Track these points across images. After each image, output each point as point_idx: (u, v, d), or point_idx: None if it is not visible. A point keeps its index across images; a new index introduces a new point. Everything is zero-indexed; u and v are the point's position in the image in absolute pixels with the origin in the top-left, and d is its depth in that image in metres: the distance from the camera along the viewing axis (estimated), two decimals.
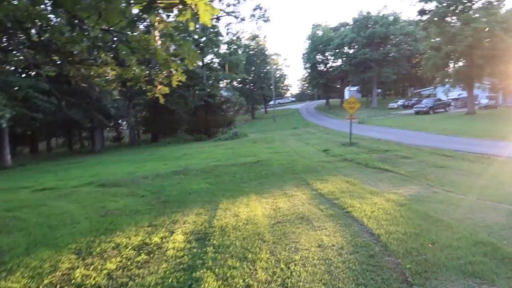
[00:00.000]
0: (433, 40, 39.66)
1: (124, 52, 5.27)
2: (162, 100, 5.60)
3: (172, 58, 4.76)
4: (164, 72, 5.37)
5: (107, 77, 4.85)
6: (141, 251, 4.57)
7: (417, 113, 42.13)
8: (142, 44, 4.01)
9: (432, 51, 38.30)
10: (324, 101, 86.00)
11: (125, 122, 42.29)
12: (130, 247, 4.72)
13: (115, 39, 4.72)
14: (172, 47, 4.90)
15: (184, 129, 41.09)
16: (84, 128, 40.20)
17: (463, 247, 4.02)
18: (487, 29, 31.24)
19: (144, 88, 5.56)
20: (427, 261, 3.68)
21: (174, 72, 5.41)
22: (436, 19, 36.93)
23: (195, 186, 8.95)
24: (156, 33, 4.15)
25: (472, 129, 20.57)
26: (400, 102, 60.00)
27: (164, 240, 4.92)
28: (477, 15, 34.22)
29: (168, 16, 4.36)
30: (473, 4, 35.67)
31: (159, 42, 4.30)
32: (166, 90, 5.53)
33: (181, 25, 4.53)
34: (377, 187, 7.60)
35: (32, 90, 24.57)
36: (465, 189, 7.20)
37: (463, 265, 3.55)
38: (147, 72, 5.40)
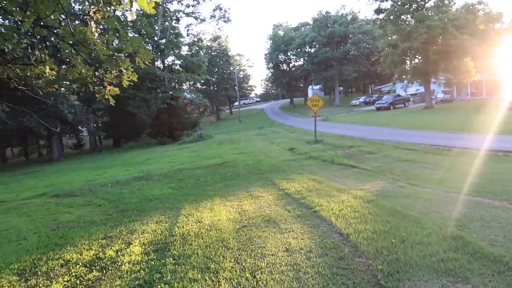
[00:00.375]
0: (390, 38, 40.84)
1: (67, 51, 4.84)
2: (112, 102, 5.14)
3: (117, 54, 4.35)
4: (113, 72, 4.95)
5: (46, 78, 4.33)
6: (93, 267, 4.14)
7: (378, 109, 43.17)
8: (79, 38, 3.59)
9: (389, 49, 39.43)
10: (289, 100, 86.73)
11: (84, 128, 40.63)
12: (80, 264, 4.28)
13: (55, 35, 4.27)
14: (117, 42, 4.51)
15: (147, 133, 40.00)
16: (41, 136, 38.21)
17: (434, 243, 3.90)
18: (440, 26, 32.42)
19: (92, 90, 5.10)
20: (398, 261, 3.51)
21: (124, 71, 5.00)
22: (392, 17, 38.01)
23: (156, 192, 8.51)
24: (93, 24, 3.74)
25: (431, 123, 21.20)
26: (362, 99, 61.32)
27: (119, 253, 4.50)
28: (430, 13, 35.54)
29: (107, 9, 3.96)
30: (426, 2, 37.04)
31: (96, 34, 3.89)
32: (116, 90, 5.09)
33: (122, 16, 4.14)
34: (344, 184, 7.49)
35: None
36: (430, 182, 7.22)
37: (435, 263, 3.41)
38: (94, 72, 4.94)
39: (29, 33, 3.84)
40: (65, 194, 9.67)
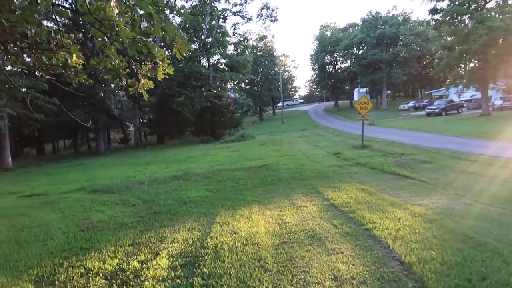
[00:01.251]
0: (445, 40, 38.50)
1: (100, 39, 4.44)
2: (146, 97, 4.71)
3: (144, 38, 3.87)
4: (148, 64, 4.50)
5: (74, 67, 3.94)
6: (114, 281, 3.68)
7: (428, 114, 40.91)
8: (96, 15, 3.13)
9: (444, 51, 37.13)
10: (333, 102, 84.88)
11: (131, 124, 41.67)
12: (101, 275, 3.84)
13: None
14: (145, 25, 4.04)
15: (190, 131, 40.32)
16: (90, 130, 39.62)
17: None
18: (502, 27, 29.98)
19: (126, 82, 4.69)
20: None
21: (159, 63, 4.55)
22: (448, 18, 35.78)
23: (193, 193, 8.08)
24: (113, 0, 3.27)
25: (489, 131, 19.41)
26: (410, 103, 58.58)
27: (144, 266, 4.03)
28: (491, 14, 33.02)
29: None
30: (487, 2, 34.48)
31: (117, 11, 3.41)
32: (151, 84, 4.65)
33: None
34: (398, 197, 6.65)
35: (33, 91, 24.00)
36: (502, 200, 6.23)
37: None
38: (128, 63, 4.52)
39: (51, 15, 3.45)
40: (103, 190, 9.52)
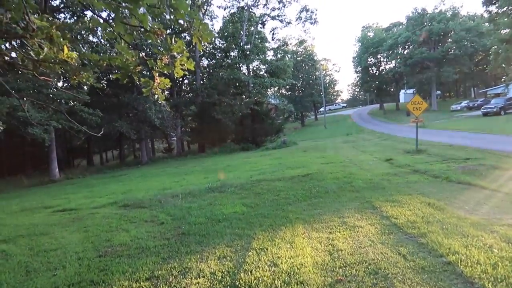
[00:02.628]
0: (503, 33, 35.42)
1: (107, 31, 3.66)
2: (162, 98, 3.89)
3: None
4: (163, 58, 3.66)
5: (63, 61, 3.14)
6: None
7: (485, 114, 37.86)
8: None
9: (502, 45, 34.14)
10: (378, 105, 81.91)
11: (174, 133, 41.95)
12: None
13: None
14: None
15: (231, 139, 39.83)
16: (135, 140, 40.27)
17: None
18: None
19: (138, 83, 3.88)
20: None
21: (177, 56, 3.70)
22: (506, 8, 32.88)
23: (228, 209, 7.17)
24: None
25: None
26: (463, 103, 54.83)
27: None
28: None
29: None
30: None
31: None
32: (167, 82, 3.82)
33: None
34: (478, 215, 5.36)
35: (77, 103, 24.45)
36: None
37: None
38: (140, 58, 3.71)
39: None
40: (134, 205, 8.87)
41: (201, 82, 41.47)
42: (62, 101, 23.44)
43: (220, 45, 42.46)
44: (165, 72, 3.81)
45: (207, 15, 41.45)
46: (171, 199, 9.02)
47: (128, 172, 24.78)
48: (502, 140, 16.02)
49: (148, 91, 3.85)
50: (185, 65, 3.75)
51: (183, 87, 47.01)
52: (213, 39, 43.17)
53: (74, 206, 9.97)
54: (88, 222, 7.40)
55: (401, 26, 70.29)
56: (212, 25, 50.82)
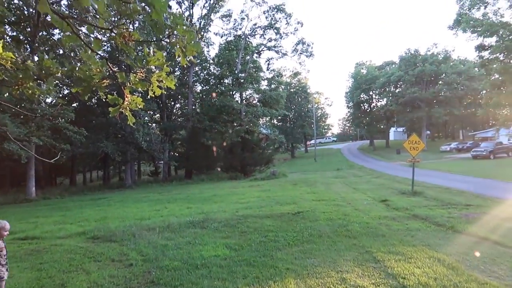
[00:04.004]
0: (494, 78, 35.89)
1: (68, 34, 2.93)
2: (131, 121, 3.14)
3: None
4: (138, 72, 2.92)
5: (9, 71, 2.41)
6: None
7: (475, 157, 37.73)
8: None
9: (494, 90, 34.51)
10: (367, 141, 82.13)
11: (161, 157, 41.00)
12: None
13: None
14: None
15: (219, 166, 38.87)
16: (118, 162, 39.08)
17: None
18: None
19: (104, 98, 3.14)
20: None
21: (155, 71, 2.98)
22: (498, 54, 33.44)
23: (209, 251, 6.29)
24: None
25: None
26: (453, 145, 55.09)
27: None
28: None
29: None
30: None
31: None
32: (139, 102, 3.07)
33: None
34: (500, 278, 4.59)
35: (63, 121, 23.53)
36: None
37: None
38: (109, 71, 2.97)
39: None
40: (104, 237, 7.92)
41: (193, 107, 40.94)
42: (46, 117, 22.44)
43: (215, 71, 42.28)
44: (139, 89, 3.06)
45: (204, 41, 41.46)
46: (147, 233, 8.09)
47: (109, 195, 23.61)
48: (499, 186, 15.46)
49: (115, 111, 3.08)
50: (164, 82, 3.01)
51: (174, 110, 46.41)
52: (208, 65, 43.10)
53: (39, 233, 8.96)
54: (46, 257, 6.44)
55: (393, 65, 71.59)
56: (208, 51, 50.98)
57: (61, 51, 21.93)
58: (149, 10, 2.33)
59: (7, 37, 26.29)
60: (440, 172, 25.12)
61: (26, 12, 24.21)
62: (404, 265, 5.13)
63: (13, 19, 23.89)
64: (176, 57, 2.85)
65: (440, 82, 58.51)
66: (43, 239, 8.21)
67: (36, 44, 24.22)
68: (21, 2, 23.53)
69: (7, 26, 26.06)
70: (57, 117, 21.98)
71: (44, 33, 23.65)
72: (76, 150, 28.86)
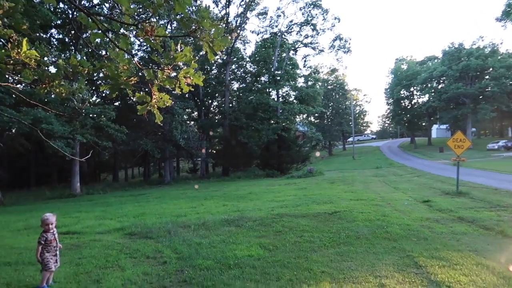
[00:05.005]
0: None
1: (95, 31, 2.91)
2: (159, 119, 3.08)
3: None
4: (166, 69, 2.85)
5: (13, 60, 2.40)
6: None
7: None
8: None
9: None
10: (408, 139, 79.49)
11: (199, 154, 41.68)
12: None
13: None
14: None
15: (256, 164, 38.90)
16: (157, 159, 40.10)
17: None
18: None
19: (132, 96, 3.09)
20: None
21: (183, 67, 2.89)
22: None
23: (242, 251, 6.20)
24: None
25: None
26: (501, 142, 52.16)
27: None
28: None
29: None
30: None
31: None
32: (167, 99, 3.00)
33: None
34: None
35: (105, 119, 24.36)
36: None
37: None
38: (136, 69, 2.92)
39: None
40: (141, 234, 8.06)
41: (230, 105, 41.21)
42: (89, 115, 23.35)
43: (251, 69, 42.36)
44: (167, 86, 2.98)
45: (240, 39, 41.61)
46: (182, 230, 8.14)
47: (148, 191, 24.22)
48: None
49: (143, 109, 3.03)
50: (192, 78, 2.91)
51: (211, 108, 46.97)
52: (244, 63, 43.22)
53: (80, 228, 9.25)
54: (85, 252, 6.61)
55: (436, 60, 68.71)
56: (245, 49, 51.10)
57: (103, 52, 22.77)
58: (172, 3, 2.24)
59: (54, 40, 27.66)
60: (487, 171, 23.80)
61: (70, 15, 25.24)
62: (449, 271, 4.79)
63: (58, 22, 25.00)
64: (204, 52, 2.75)
65: (487, 77, 55.51)
66: (83, 234, 8.47)
67: (80, 46, 25.25)
68: (65, 6, 24.53)
69: (53, 30, 27.39)
70: (100, 115, 22.76)
71: (87, 34, 24.55)
72: (117, 147, 29.90)
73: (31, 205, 18.81)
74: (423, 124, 74.69)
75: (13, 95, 18.93)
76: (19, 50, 2.33)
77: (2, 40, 2.66)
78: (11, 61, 2.36)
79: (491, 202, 10.88)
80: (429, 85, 63.90)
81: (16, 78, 3.05)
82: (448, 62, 57.69)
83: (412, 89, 70.46)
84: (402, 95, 71.45)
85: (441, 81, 62.34)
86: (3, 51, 2.33)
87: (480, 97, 55.62)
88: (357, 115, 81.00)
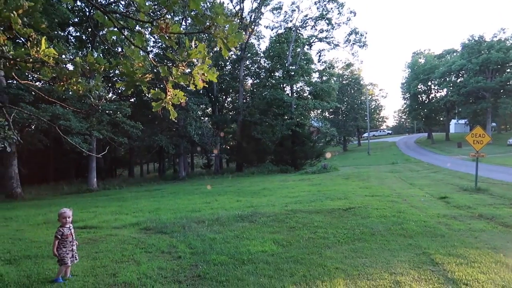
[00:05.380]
0: None
1: (111, 29, 2.95)
2: (173, 115, 3.10)
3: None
4: (181, 65, 2.86)
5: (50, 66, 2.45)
6: None
7: None
8: None
9: None
10: (425, 134, 78.30)
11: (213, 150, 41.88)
12: None
13: None
14: None
15: (269, 159, 38.88)
16: (172, 154, 40.46)
17: None
18: None
19: (147, 93, 3.12)
20: None
21: (197, 63, 2.90)
22: None
23: (256, 246, 6.22)
24: None
25: None
26: None
27: None
28: None
29: None
30: None
31: None
32: (181, 96, 3.02)
33: None
34: None
35: (121, 115, 24.66)
36: None
37: None
38: (151, 66, 2.94)
39: None
40: (156, 229, 8.15)
41: (244, 100, 41.22)
42: (106, 111, 23.66)
43: (265, 64, 42.22)
44: (181, 83, 3.00)
45: (255, 34, 41.50)
46: (196, 226, 8.21)
47: (163, 187, 24.48)
48: None
49: (158, 105, 3.05)
50: (206, 75, 2.93)
51: (225, 104, 47.06)
52: (259, 58, 43.11)
53: (96, 223, 9.42)
54: (102, 246, 6.72)
55: (455, 54, 67.27)
56: (259, 45, 50.96)
57: (119, 49, 23.03)
58: (186, 0, 2.25)
59: (71, 37, 28.09)
60: (507, 167, 23.30)
61: (87, 13, 25.57)
62: (466, 269, 4.71)
63: (76, 20, 25.37)
64: (218, 48, 2.76)
65: (508, 70, 54.10)
66: (100, 229, 8.61)
67: (97, 44, 25.58)
68: (83, 4, 24.86)
69: (71, 28, 27.80)
70: (116, 112, 23.06)
71: (103, 32, 24.84)
72: (133, 143, 30.26)
73: (50, 200, 19.23)
74: (441, 119, 73.37)
75: (32, 92, 19.34)
76: (38, 49, 2.38)
77: (22, 38, 2.71)
78: (31, 60, 2.42)
79: (511, 199, 10.65)
80: (447, 79, 62.65)
81: (35, 76, 3.12)
82: (468, 55, 56.46)
83: (429, 83, 69.26)
84: (419, 89, 70.24)
85: (460, 75, 61.07)
86: (22, 49, 2.38)
87: (501, 91, 54.33)
88: (372, 110, 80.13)
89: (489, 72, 54.62)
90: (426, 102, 70.67)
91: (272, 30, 45.35)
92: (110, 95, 34.95)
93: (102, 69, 2.81)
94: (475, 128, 13.90)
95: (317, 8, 40.11)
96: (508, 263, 4.94)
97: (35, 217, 11.14)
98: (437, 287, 4.19)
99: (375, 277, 4.56)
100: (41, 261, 5.84)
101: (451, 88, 61.00)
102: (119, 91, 33.97)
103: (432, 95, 71.16)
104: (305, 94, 41.75)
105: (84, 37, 27.82)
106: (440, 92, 69.10)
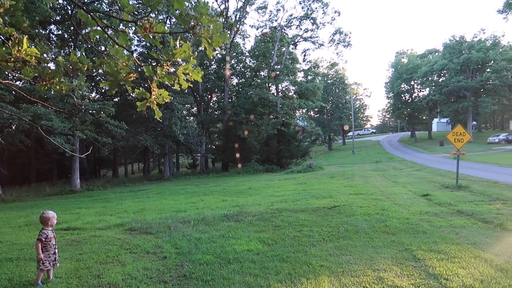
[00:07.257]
0: None
1: (94, 28, 2.93)
2: (158, 115, 3.11)
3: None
4: (165, 65, 2.86)
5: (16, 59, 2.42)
6: None
7: None
8: None
9: None
10: (409, 133, 79.46)
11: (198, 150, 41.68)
12: None
13: None
14: None
15: (255, 159, 38.92)
16: (157, 154, 40.17)
17: None
18: None
19: (131, 92, 3.11)
20: None
21: (181, 63, 2.91)
22: None
23: (241, 245, 6.25)
24: None
25: None
26: (502, 136, 52.24)
27: None
28: None
29: None
30: None
31: None
32: (166, 96, 3.02)
33: None
34: None
35: (104, 115, 24.36)
36: None
37: None
38: (135, 65, 2.93)
39: None
40: (141, 229, 8.09)
41: (229, 100, 41.15)
42: (89, 111, 23.33)
43: (251, 64, 42.23)
44: (166, 82, 3.00)
45: (240, 34, 41.46)
46: (182, 226, 8.18)
47: (148, 187, 24.28)
48: None
49: (143, 105, 3.05)
50: (191, 74, 2.94)
51: (211, 103, 46.91)
52: (244, 58, 43.09)
53: (80, 224, 9.29)
54: (85, 247, 6.65)
55: (437, 53, 68.49)
56: (244, 44, 50.91)
57: (103, 48, 22.68)
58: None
59: (53, 36, 27.57)
60: (487, 165, 23.87)
61: (70, 12, 25.14)
62: (447, 265, 4.83)
63: (57, 18, 24.92)
64: (202, 48, 2.77)
65: (488, 70, 55.33)
66: (84, 230, 8.51)
67: (79, 42, 25.19)
68: (65, 2, 24.44)
69: (52, 26, 27.29)
70: (99, 112, 22.76)
71: (86, 31, 24.47)
72: (117, 143, 29.93)
73: (32, 201, 18.86)
74: (424, 118, 74.60)
75: (13, 92, 18.94)
76: (19, 48, 2.35)
77: (3, 37, 2.68)
78: (12, 59, 2.38)
79: (490, 196, 10.93)
80: (429, 78, 63.69)
81: (16, 75, 3.07)
82: (449, 55, 57.51)
83: (412, 82, 70.33)
84: (403, 89, 71.32)
85: (442, 75, 62.13)
86: (3, 49, 2.35)
87: (481, 90, 55.50)
88: (357, 109, 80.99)
89: (470, 72, 55.77)
90: (409, 101, 71.73)
91: (257, 29, 45.30)
92: (94, 94, 34.44)
93: (86, 68, 2.79)
94: (456, 127, 14.20)
95: (302, 8, 40.36)
96: (487, 258, 5.08)
97: (16, 219, 10.93)
98: (419, 282, 4.28)
99: (359, 274, 4.64)
100: (23, 264, 5.75)
101: (433, 87, 62.09)
102: (103, 91, 33.49)
103: (415, 94, 72.28)
104: (290, 94, 41.93)
105: (66, 36, 27.34)
106: (423, 91, 70.29)
